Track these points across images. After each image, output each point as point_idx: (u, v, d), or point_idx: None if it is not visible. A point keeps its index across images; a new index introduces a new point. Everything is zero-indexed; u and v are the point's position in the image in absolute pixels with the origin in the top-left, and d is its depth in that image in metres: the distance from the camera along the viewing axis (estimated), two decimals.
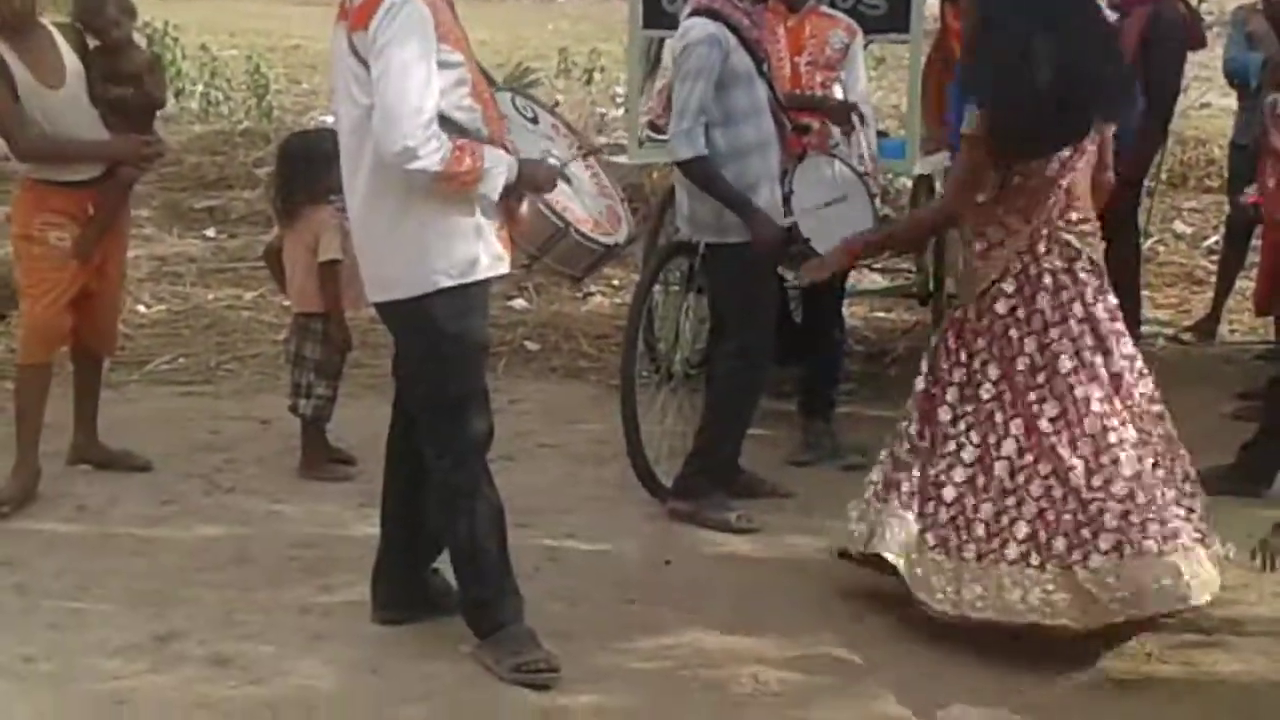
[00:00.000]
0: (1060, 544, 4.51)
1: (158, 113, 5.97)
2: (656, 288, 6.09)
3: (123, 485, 5.80)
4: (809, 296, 6.36)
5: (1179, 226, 9.91)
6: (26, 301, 5.73)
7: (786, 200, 5.55)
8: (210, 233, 9.72)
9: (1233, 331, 8.10)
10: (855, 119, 6.12)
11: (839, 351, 6.49)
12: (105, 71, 5.61)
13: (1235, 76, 7.65)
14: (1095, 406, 4.61)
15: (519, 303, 8.33)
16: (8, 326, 7.17)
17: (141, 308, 8.09)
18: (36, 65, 5.45)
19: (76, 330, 5.77)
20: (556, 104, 10.76)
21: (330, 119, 4.41)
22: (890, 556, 4.67)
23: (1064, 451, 4.58)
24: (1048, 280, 4.70)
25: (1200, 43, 7.57)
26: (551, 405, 6.88)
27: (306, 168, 5.85)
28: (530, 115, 4.96)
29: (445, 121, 4.15)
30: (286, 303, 6.65)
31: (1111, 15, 6.28)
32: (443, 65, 4.16)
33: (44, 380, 5.72)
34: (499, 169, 4.27)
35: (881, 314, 8.29)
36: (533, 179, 4.42)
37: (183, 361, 7.40)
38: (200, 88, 13.20)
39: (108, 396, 6.22)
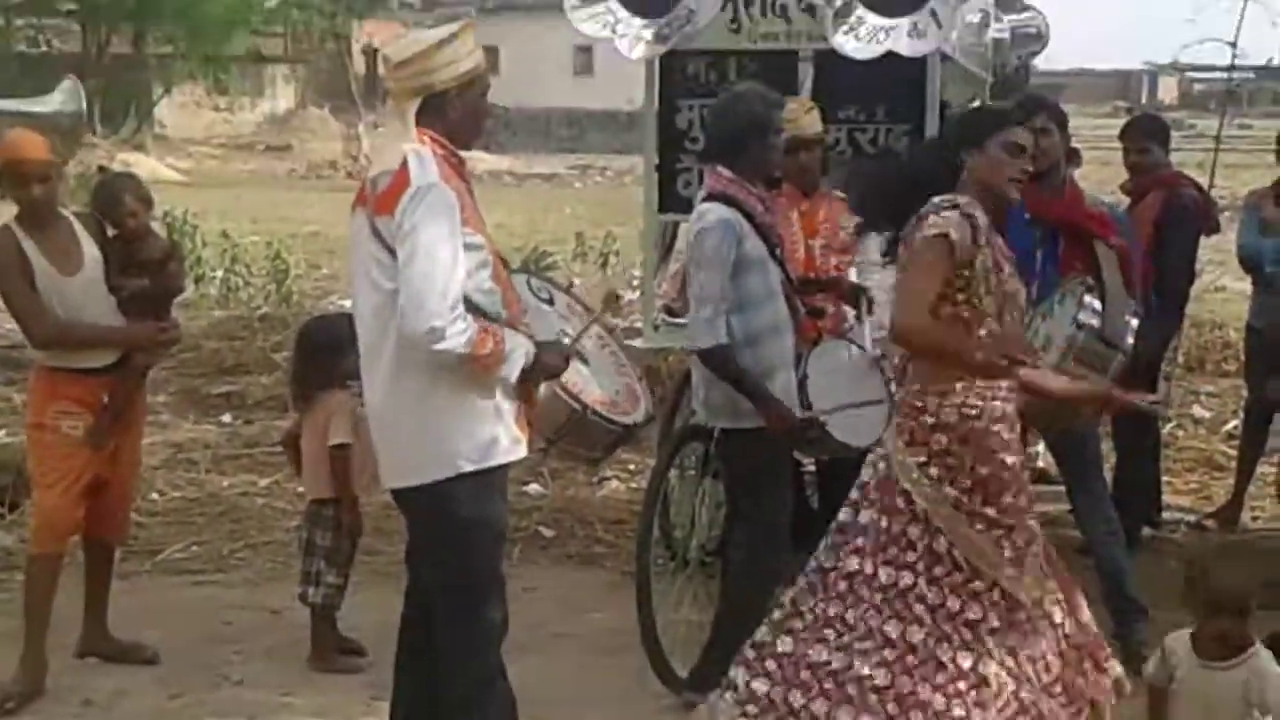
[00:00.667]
0: None
1: (176, 299, 6.00)
2: (672, 473, 6.04)
3: (131, 678, 5.71)
4: (826, 480, 6.31)
5: (1197, 411, 9.87)
6: (38, 490, 5.69)
7: (802, 385, 5.52)
8: (226, 418, 9.73)
9: (1255, 519, 7.98)
10: (864, 302, 6.12)
11: None
12: (123, 260, 5.65)
13: (1249, 261, 7.68)
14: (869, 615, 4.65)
15: (534, 488, 8.27)
16: (20, 515, 7.12)
17: (155, 495, 8.04)
18: (54, 253, 5.49)
19: (89, 519, 5.72)
20: (571, 285, 10.83)
21: (349, 303, 4.45)
22: None
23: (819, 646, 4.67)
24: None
25: (1214, 228, 7.61)
26: (566, 593, 6.79)
27: (323, 352, 5.85)
28: (545, 296, 4.98)
29: (466, 303, 4.15)
30: (301, 489, 6.62)
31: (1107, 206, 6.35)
32: (466, 248, 4.17)
33: (55, 570, 5.65)
34: (518, 353, 4.27)
35: None
36: (545, 367, 4.41)
37: (195, 550, 7.32)
38: (220, 274, 13.31)
39: (119, 587, 6.14)
